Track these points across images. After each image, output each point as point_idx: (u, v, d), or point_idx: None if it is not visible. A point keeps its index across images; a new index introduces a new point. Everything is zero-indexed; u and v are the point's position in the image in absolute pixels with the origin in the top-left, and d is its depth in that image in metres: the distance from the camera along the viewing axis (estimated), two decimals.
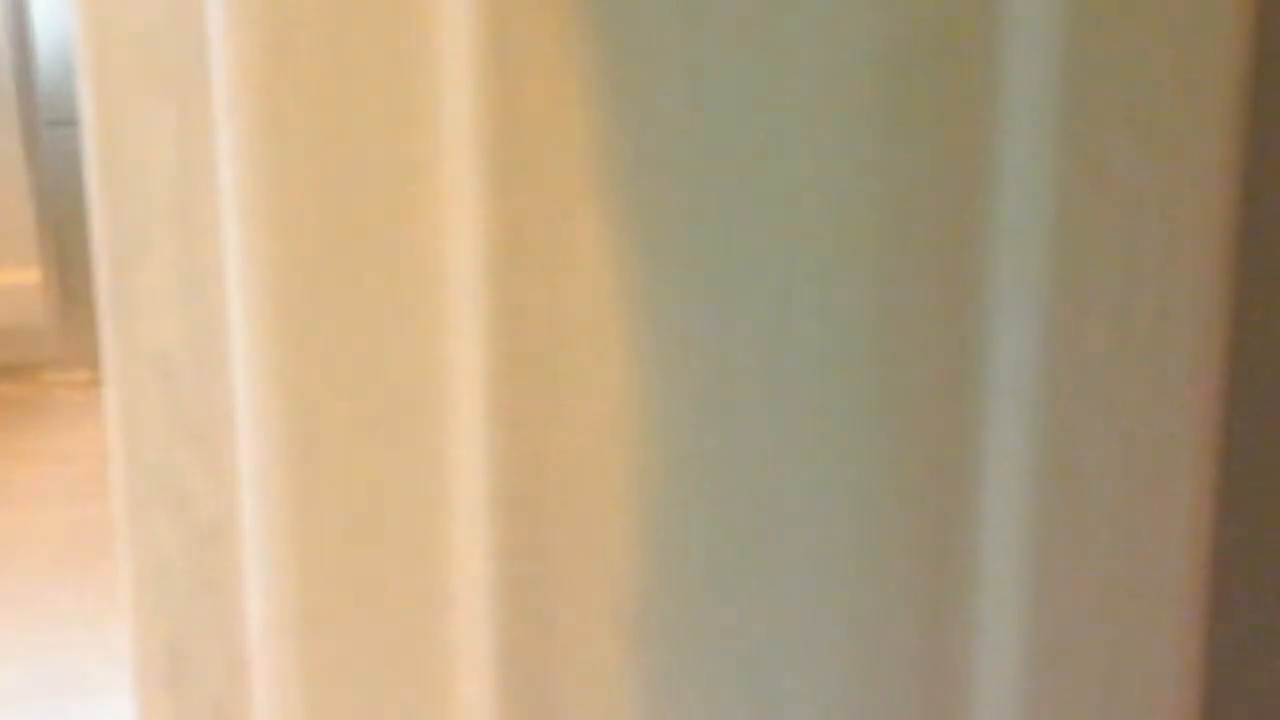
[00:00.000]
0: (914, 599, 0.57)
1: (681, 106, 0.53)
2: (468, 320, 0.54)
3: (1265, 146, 0.58)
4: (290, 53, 0.52)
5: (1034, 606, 0.58)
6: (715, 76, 0.53)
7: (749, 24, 0.53)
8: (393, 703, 0.57)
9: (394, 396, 0.55)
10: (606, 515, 0.56)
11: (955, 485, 0.57)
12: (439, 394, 0.55)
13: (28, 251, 1.51)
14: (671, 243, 0.54)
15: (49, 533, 1.30)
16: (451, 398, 0.55)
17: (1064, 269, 0.55)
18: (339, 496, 0.56)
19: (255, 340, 0.54)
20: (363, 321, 0.54)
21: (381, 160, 0.53)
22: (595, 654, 0.57)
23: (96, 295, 0.57)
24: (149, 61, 0.52)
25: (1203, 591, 0.59)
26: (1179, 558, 0.58)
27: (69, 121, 1.01)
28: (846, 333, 0.55)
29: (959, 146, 0.54)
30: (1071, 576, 0.58)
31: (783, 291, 0.55)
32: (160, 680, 0.59)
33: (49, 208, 1.52)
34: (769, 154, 0.54)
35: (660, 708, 0.58)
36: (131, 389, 0.56)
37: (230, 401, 0.56)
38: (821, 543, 0.57)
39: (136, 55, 0.52)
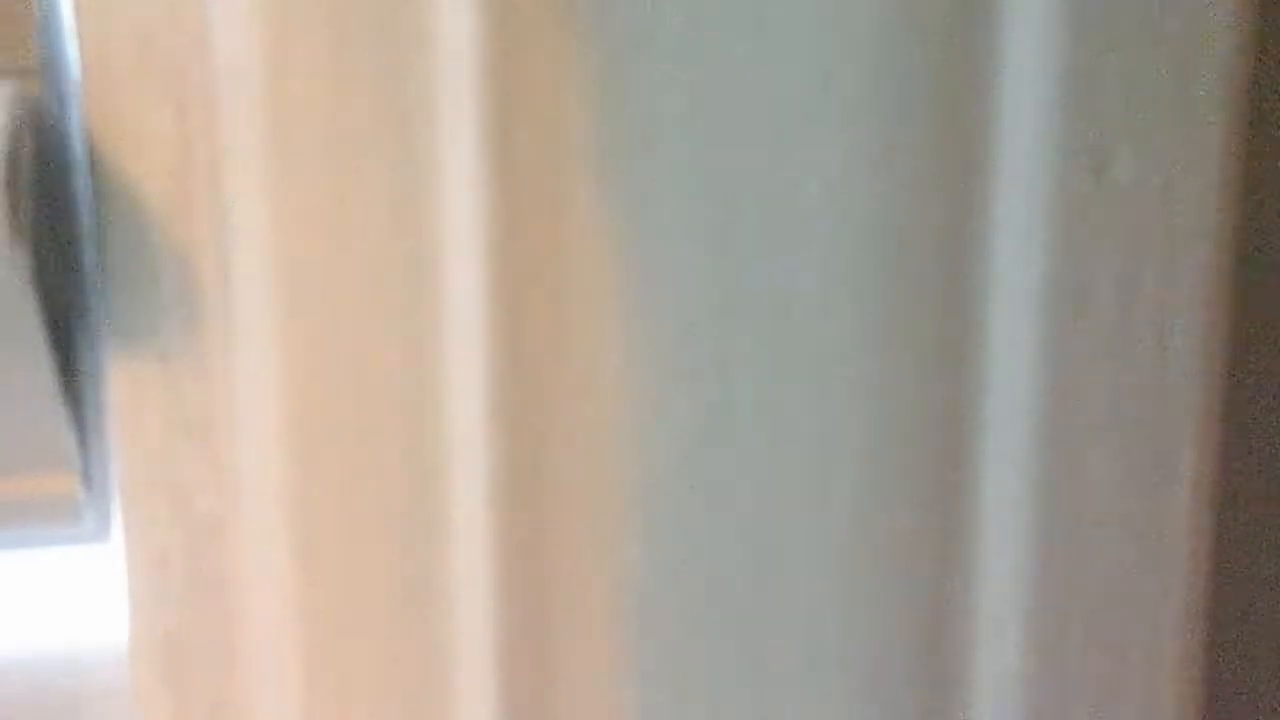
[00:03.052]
0: (914, 599, 0.58)
1: (681, 103, 0.53)
2: (468, 318, 0.54)
3: (1265, 146, 0.58)
4: (290, 52, 0.52)
5: (1034, 605, 0.58)
6: (715, 73, 0.53)
7: (749, 20, 0.53)
8: (392, 702, 0.57)
9: (394, 394, 0.55)
10: (606, 514, 0.56)
11: (955, 484, 0.57)
12: (439, 392, 0.55)
13: None
14: (672, 240, 0.54)
15: None
16: (451, 396, 0.55)
17: (1064, 269, 0.55)
18: (339, 495, 0.56)
19: (255, 339, 0.54)
20: (362, 319, 0.54)
21: (381, 158, 0.53)
22: (595, 652, 0.57)
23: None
24: (149, 61, 0.52)
25: (1203, 591, 0.59)
26: (1179, 558, 0.58)
27: None
28: (847, 331, 0.55)
29: (959, 144, 0.54)
30: (1072, 576, 0.58)
31: (783, 289, 0.55)
32: (158, 676, 0.59)
33: None
34: (769, 150, 0.54)
35: (660, 706, 0.58)
36: (132, 385, 0.56)
37: (230, 400, 0.56)
38: (822, 541, 0.57)
39: (136, 55, 0.52)
